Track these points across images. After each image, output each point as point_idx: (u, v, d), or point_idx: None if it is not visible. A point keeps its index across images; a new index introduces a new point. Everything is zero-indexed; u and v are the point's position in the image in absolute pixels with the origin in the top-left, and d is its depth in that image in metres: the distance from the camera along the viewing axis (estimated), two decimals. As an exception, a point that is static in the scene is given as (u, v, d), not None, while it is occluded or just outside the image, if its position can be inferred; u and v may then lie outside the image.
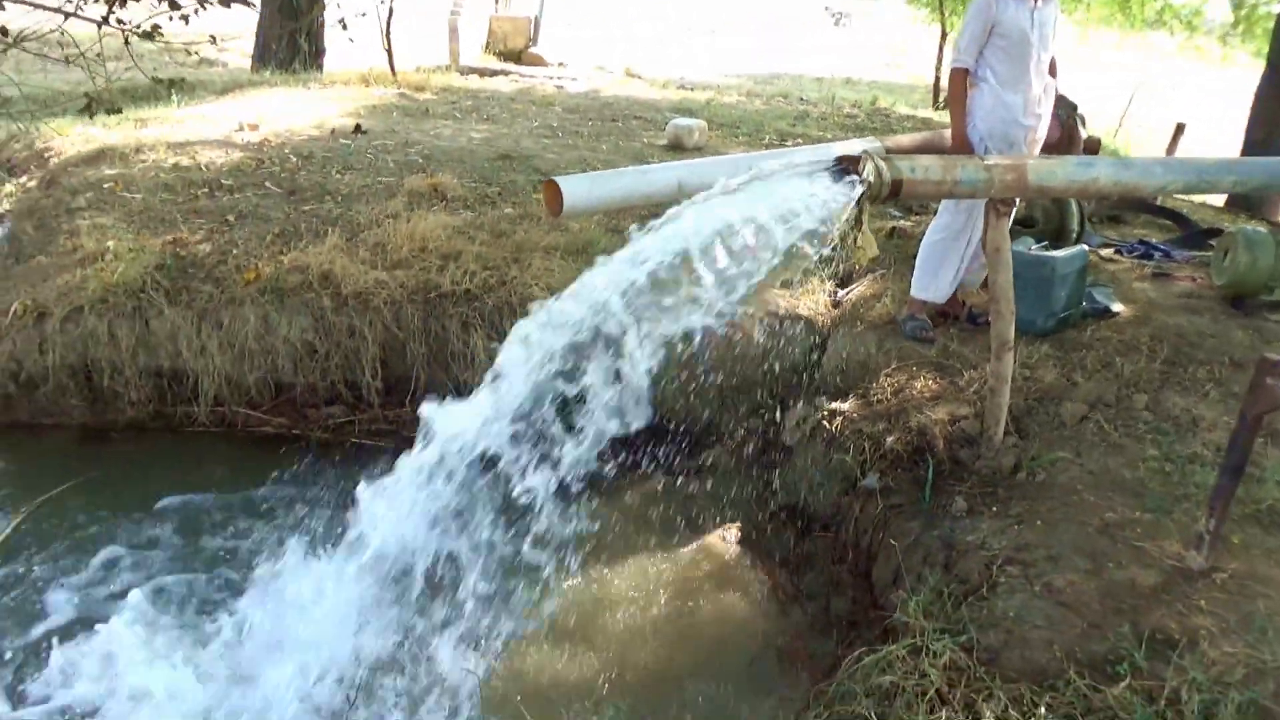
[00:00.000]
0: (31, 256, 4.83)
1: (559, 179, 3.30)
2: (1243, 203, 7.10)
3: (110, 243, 4.68)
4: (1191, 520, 2.93)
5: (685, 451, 4.26)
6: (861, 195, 2.94)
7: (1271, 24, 8.38)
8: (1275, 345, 4.03)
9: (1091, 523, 3.04)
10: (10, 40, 4.30)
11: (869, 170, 2.91)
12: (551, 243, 4.93)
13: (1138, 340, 4.20)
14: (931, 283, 4.30)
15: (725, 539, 3.93)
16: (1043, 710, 2.20)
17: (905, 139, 5.95)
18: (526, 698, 2.82)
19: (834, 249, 4.73)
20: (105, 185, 5.69)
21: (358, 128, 7.53)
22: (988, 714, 2.19)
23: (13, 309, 4.28)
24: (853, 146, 3.07)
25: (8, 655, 3.03)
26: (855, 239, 3.73)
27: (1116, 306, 4.51)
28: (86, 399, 4.36)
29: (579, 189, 3.38)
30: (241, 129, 7.25)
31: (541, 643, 3.10)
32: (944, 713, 2.25)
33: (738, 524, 4.00)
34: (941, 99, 15.05)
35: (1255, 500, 3.09)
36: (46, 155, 6.97)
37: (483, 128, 8.06)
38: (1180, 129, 7.34)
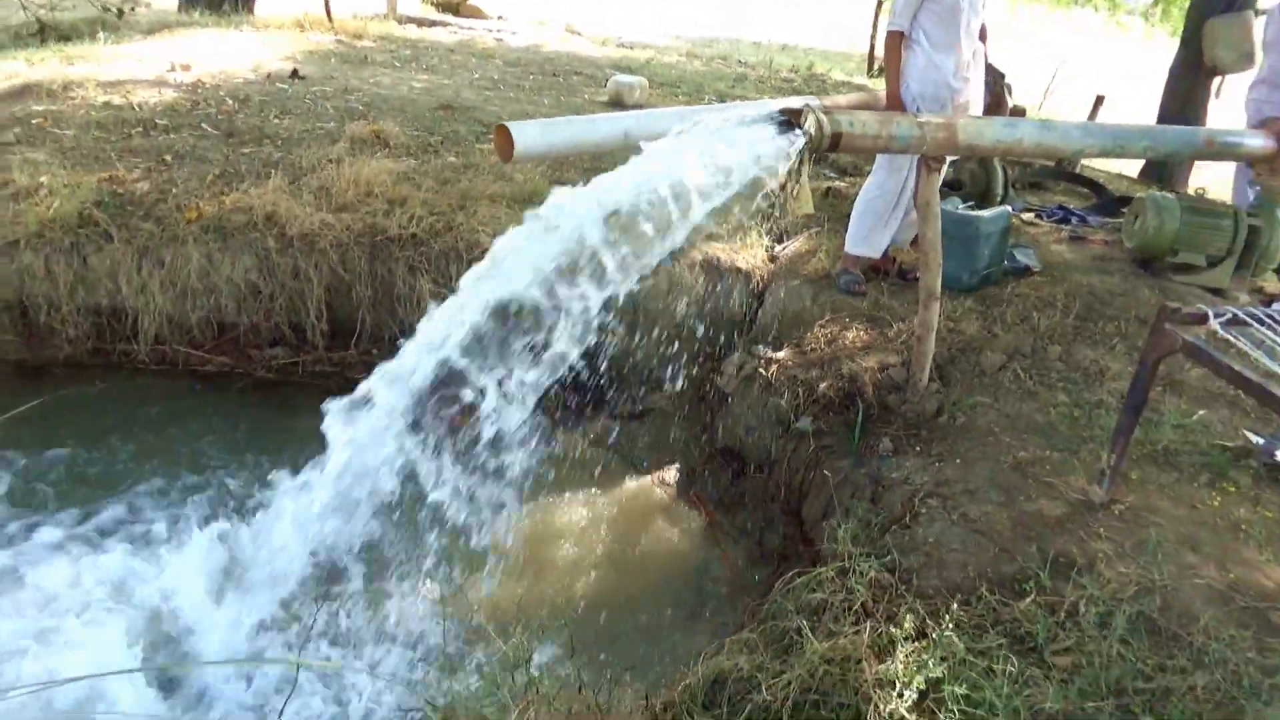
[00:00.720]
0: (-41, 190, 4.69)
1: (510, 124, 3.36)
2: (1155, 174, 7.47)
3: (44, 178, 4.58)
4: (1095, 459, 3.19)
5: (627, 397, 4.40)
6: (803, 146, 3.08)
7: (1187, 4, 8.76)
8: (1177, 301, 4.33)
9: (1005, 461, 3.27)
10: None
11: (810, 123, 3.05)
12: (497, 191, 4.99)
13: (1054, 297, 4.46)
14: (865, 239, 4.49)
15: (665, 480, 4.10)
16: (956, 618, 2.41)
17: (842, 99, 6.12)
18: (484, 619, 2.94)
19: (772, 203, 4.93)
20: (34, 121, 5.54)
21: (295, 72, 7.40)
22: (907, 623, 2.38)
23: (-57, 242, 4.18)
24: (794, 103, 3.20)
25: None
26: (794, 191, 3.91)
27: (1035, 266, 4.78)
28: (22, 335, 4.30)
29: (530, 134, 3.45)
30: (174, 69, 7.07)
31: (496, 571, 3.22)
32: (868, 624, 2.44)
33: (676, 465, 4.16)
34: (876, 66, 15.30)
35: (1153, 442, 3.36)
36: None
37: (423, 78, 7.99)
38: (1099, 101, 7.68)
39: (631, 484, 4.00)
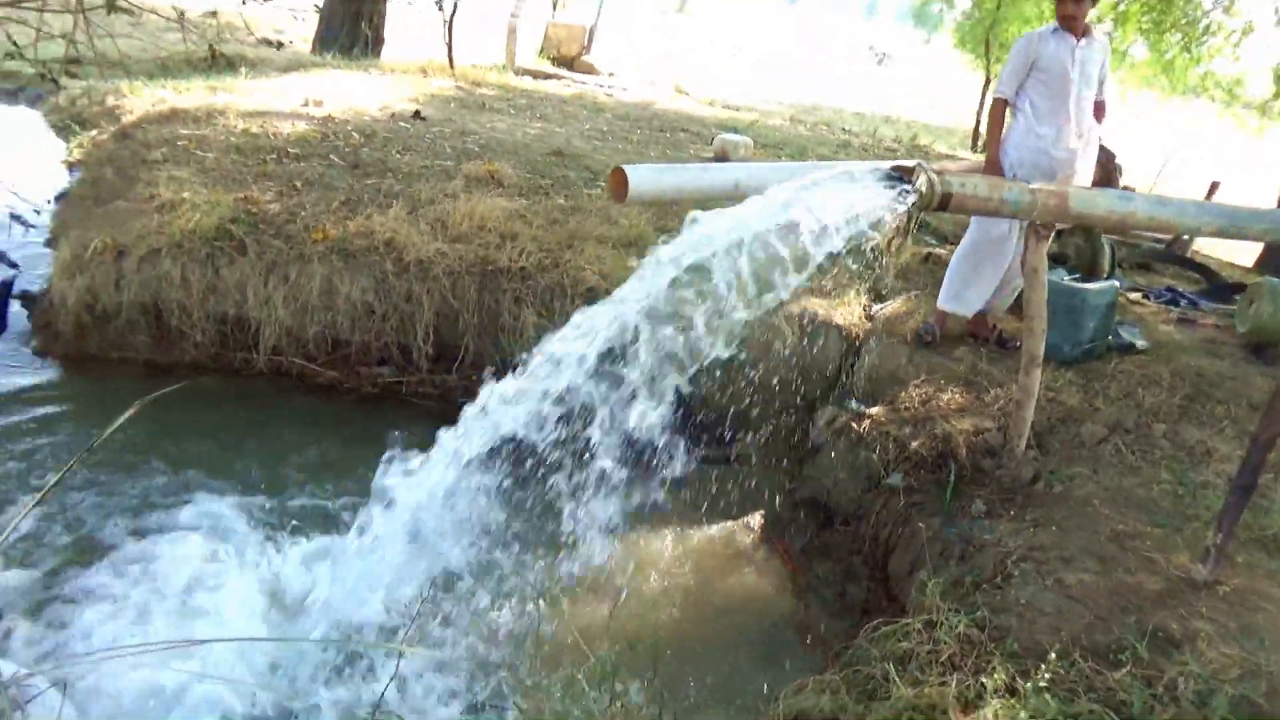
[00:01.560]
0: (110, 200, 5.06)
1: (626, 166, 3.50)
2: (1271, 264, 7.26)
3: (186, 194, 4.92)
4: (1199, 538, 3.10)
5: (717, 442, 4.45)
6: (913, 203, 3.14)
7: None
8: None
9: (1103, 532, 3.21)
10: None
11: (922, 181, 3.11)
12: (603, 233, 5.15)
13: (1159, 376, 4.37)
14: (955, 297, 4.51)
15: (749, 526, 4.12)
16: (1048, 680, 2.36)
17: (951, 165, 6.16)
18: (566, 645, 3.00)
19: (871, 263, 4.98)
20: (180, 143, 5.96)
21: (417, 113, 7.79)
22: (998, 677, 2.35)
23: (93, 245, 4.51)
24: (906, 162, 3.26)
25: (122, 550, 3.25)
26: (899, 245, 3.95)
27: (1141, 343, 4.69)
28: (153, 336, 4.59)
29: (644, 177, 3.57)
30: (307, 104, 7.53)
31: (583, 597, 3.29)
32: (955, 676, 2.42)
33: (761, 513, 4.17)
34: (980, 142, 15.29)
35: (1262, 527, 3.25)
36: (117, 112, 7.27)
37: (536, 125, 8.32)
38: (1214, 186, 7.53)
39: (716, 527, 4.03)
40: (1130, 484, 3.53)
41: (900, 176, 3.13)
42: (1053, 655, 2.47)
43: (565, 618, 3.15)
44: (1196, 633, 2.68)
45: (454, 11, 10.16)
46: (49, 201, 6.50)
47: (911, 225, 3.24)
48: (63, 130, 7.95)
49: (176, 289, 4.51)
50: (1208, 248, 7.53)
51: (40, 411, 4.06)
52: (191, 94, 7.37)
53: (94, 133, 7.08)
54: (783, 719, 2.42)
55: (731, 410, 4.38)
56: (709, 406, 4.50)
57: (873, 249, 3.71)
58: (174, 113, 6.70)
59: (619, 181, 3.50)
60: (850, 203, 3.01)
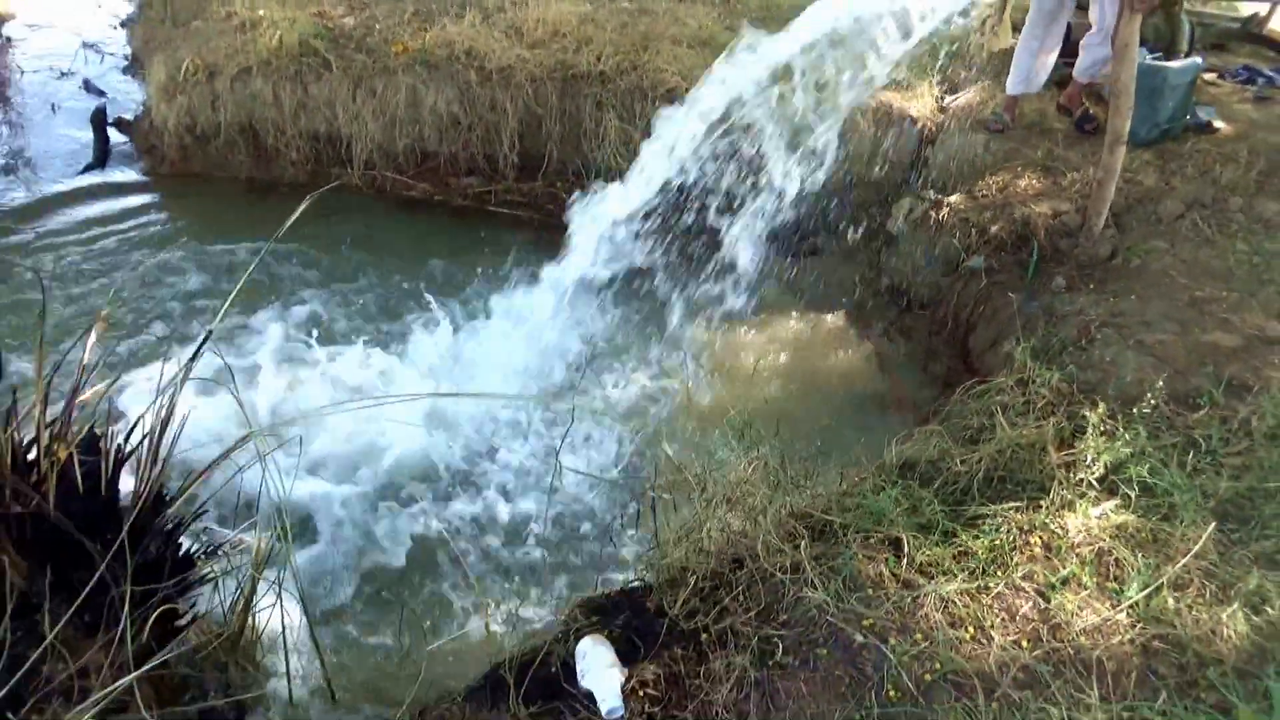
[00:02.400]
0: (188, 21, 5.13)
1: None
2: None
3: (262, 10, 4.97)
4: (1273, 300, 3.29)
5: (802, 236, 4.63)
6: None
7: None
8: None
9: (1181, 299, 3.41)
10: None
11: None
12: (676, 34, 5.14)
13: (1236, 153, 4.42)
14: (1025, 78, 4.55)
15: (837, 313, 4.36)
16: (1137, 423, 2.64)
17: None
18: (692, 413, 3.33)
19: (947, 53, 4.97)
20: (239, -39, 5.92)
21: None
22: (1092, 419, 2.63)
23: (185, 66, 4.63)
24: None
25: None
26: (994, 25, 3.97)
27: (1218, 123, 4.70)
28: (252, 155, 4.78)
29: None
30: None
31: (692, 384, 3.60)
32: (1051, 420, 2.70)
33: (847, 300, 4.41)
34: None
35: (1337, 279, 3.43)
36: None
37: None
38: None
39: (806, 314, 4.28)
40: (1206, 255, 3.69)
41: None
42: (1138, 400, 2.73)
43: (688, 391, 3.47)
44: (1270, 380, 2.92)
45: None
46: (114, 27, 6.55)
47: (1007, 3, 3.27)
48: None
49: (270, 108, 4.66)
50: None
51: (162, 229, 4.33)
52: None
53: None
54: (895, 465, 2.73)
55: (819, 206, 4.53)
56: (795, 202, 4.65)
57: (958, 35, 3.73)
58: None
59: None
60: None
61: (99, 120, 4.97)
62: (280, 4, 5.10)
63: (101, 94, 5.44)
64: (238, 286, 2.38)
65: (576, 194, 3.88)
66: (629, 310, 3.74)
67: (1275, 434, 2.67)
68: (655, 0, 5.86)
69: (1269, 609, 2.11)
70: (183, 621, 2.17)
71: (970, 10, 3.04)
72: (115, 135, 5.04)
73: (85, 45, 6.10)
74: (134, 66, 5.94)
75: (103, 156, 4.81)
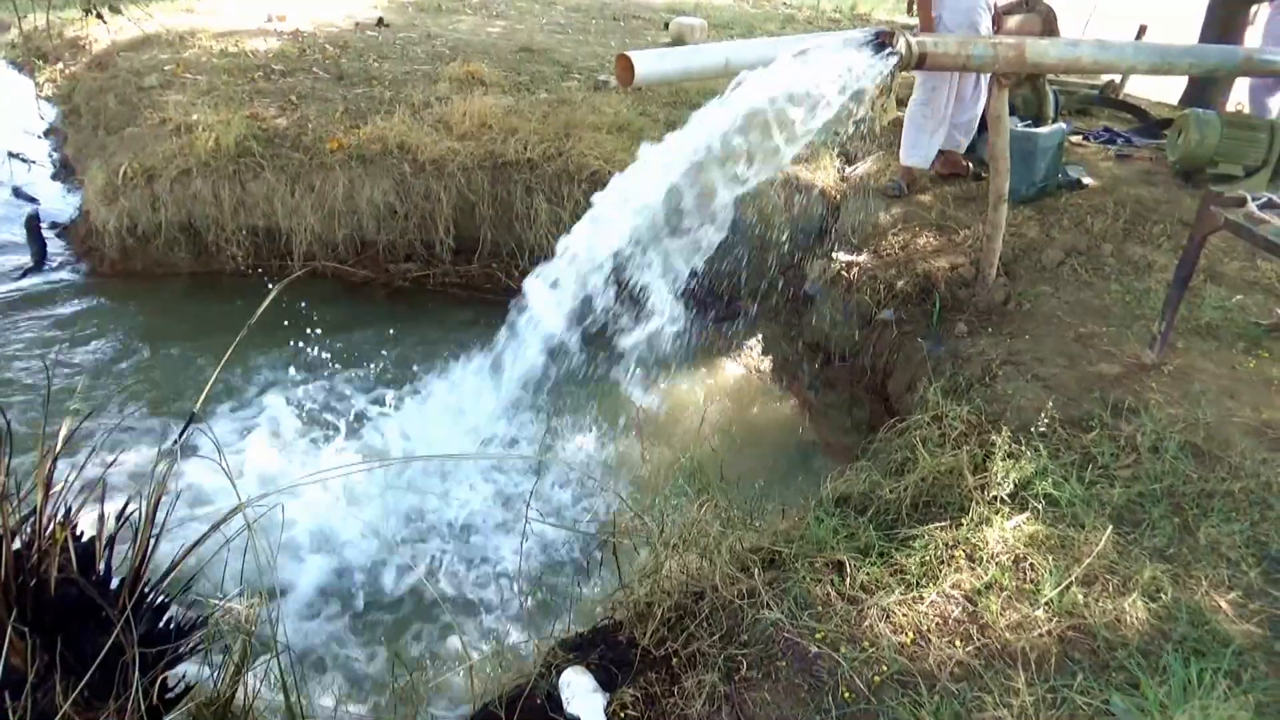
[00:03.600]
0: (121, 127, 5.28)
1: (631, 53, 3.86)
2: (1194, 101, 7.84)
3: (195, 115, 5.17)
4: (1146, 332, 3.72)
5: (725, 303, 4.97)
6: (895, 64, 3.59)
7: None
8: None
9: (1068, 336, 3.82)
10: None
11: (901, 44, 3.56)
12: (595, 122, 5.51)
13: (1104, 206, 4.95)
14: (913, 149, 5.03)
15: (761, 368, 4.68)
16: (1038, 444, 2.98)
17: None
18: (622, 466, 3.55)
19: (856, 122, 5.46)
20: (166, 68, 6.12)
21: (380, 20, 7.92)
22: (1000, 442, 2.95)
23: (123, 170, 4.78)
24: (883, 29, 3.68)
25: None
26: (881, 104, 4.41)
27: (1087, 180, 5.26)
28: (193, 251, 4.92)
29: (648, 62, 3.95)
30: (271, 20, 7.63)
31: (631, 431, 3.84)
32: (965, 448, 3.02)
33: (770, 357, 4.73)
34: (912, 6, 15.55)
35: (1196, 319, 3.89)
36: (81, 43, 7.31)
37: (497, 24, 8.48)
38: (1143, 29, 8.05)
39: (734, 372, 4.58)
40: (1086, 296, 4.14)
41: (882, 41, 3.58)
42: (1041, 425, 3.08)
43: (626, 449, 3.71)
44: (1148, 402, 3.31)
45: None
46: (38, 137, 6.64)
47: (892, 84, 3.69)
48: (21, 67, 7.96)
49: (210, 206, 4.82)
50: (1138, 90, 8.07)
51: (109, 326, 4.42)
52: (153, 20, 7.41)
53: (59, 66, 7.15)
54: (831, 499, 3.00)
55: (736, 275, 4.88)
56: (717, 274, 4.99)
57: (852, 113, 4.15)
58: (146, 39, 6.79)
59: (625, 67, 3.88)
60: (842, 69, 3.46)
61: (33, 225, 5.05)
62: (213, 108, 5.30)
63: (33, 200, 5.52)
64: (216, 370, 2.54)
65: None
66: (573, 373, 3.98)
67: (1156, 447, 3.03)
68: (572, 91, 6.26)
69: (1163, 596, 2.42)
70: (175, 693, 2.27)
71: (861, 94, 3.40)
72: (50, 239, 5.12)
73: (10, 155, 6.17)
74: (63, 172, 6.03)
75: (40, 259, 4.89)
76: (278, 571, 2.65)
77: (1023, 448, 2.98)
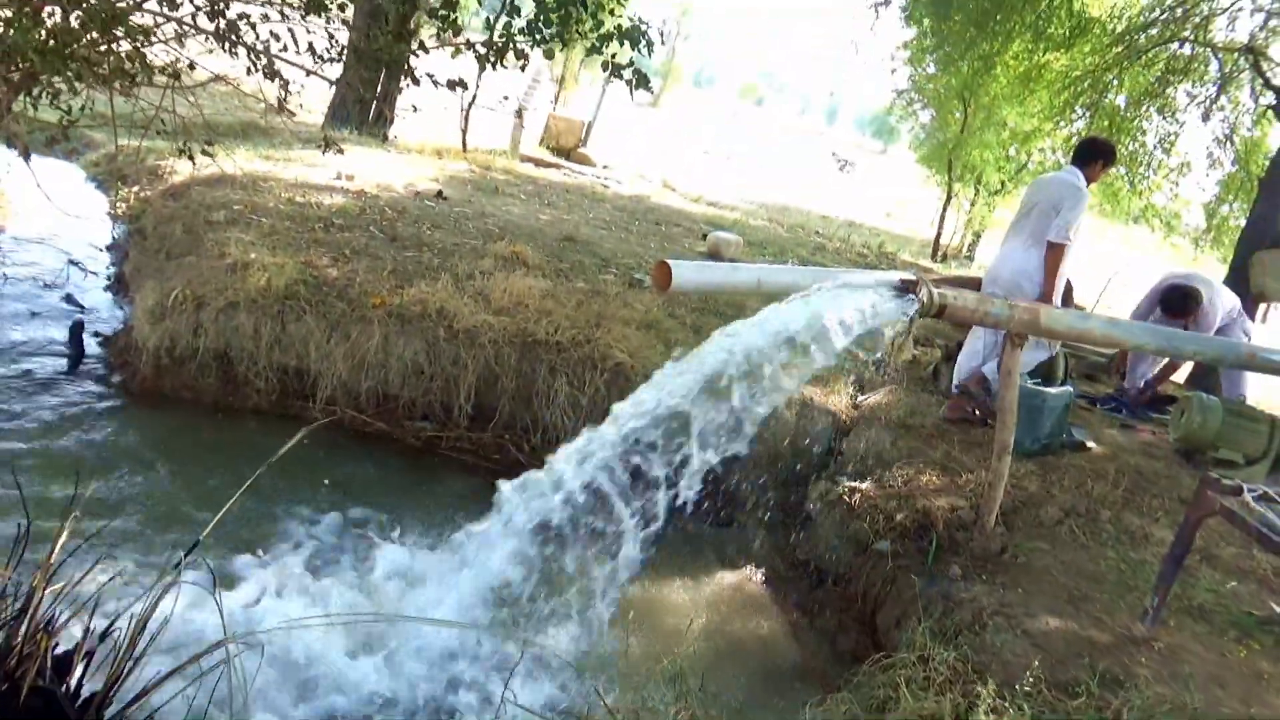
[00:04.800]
0: (181, 255, 5.58)
1: (671, 261, 4.15)
2: (1200, 381, 8.13)
3: (253, 255, 5.47)
4: (1138, 604, 3.73)
5: (727, 511, 5.03)
6: (916, 310, 3.83)
7: (1237, 235, 9.64)
8: (1215, 490, 4.91)
9: (1061, 595, 3.83)
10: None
11: (924, 292, 3.81)
12: (626, 316, 5.78)
13: (1106, 471, 5.07)
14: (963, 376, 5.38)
15: (754, 581, 4.67)
16: (1023, 703, 2.95)
17: (931, 277, 7.07)
18: (606, 666, 3.51)
19: (859, 359, 5.68)
20: (235, 207, 6.52)
21: (440, 193, 8.46)
22: (983, 697, 2.93)
23: (174, 294, 5.01)
24: (909, 275, 3.95)
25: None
26: (900, 344, 4.63)
27: (1090, 443, 5.41)
28: (222, 381, 5.07)
29: (686, 272, 4.22)
30: (340, 178, 8.16)
31: (619, 634, 3.81)
32: (948, 696, 2.99)
33: (764, 570, 4.74)
34: (939, 253, 16.42)
35: (1190, 599, 3.90)
36: (160, 171, 7.81)
37: (547, 212, 9.02)
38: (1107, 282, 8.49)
39: (727, 581, 4.57)
40: (1081, 558, 4.17)
41: (906, 288, 3.83)
42: (1025, 684, 3.06)
43: (610, 651, 3.68)
44: (1137, 676, 3.28)
45: (473, 100, 10.94)
46: (99, 249, 6.99)
47: (912, 327, 3.91)
48: (102, 184, 8.46)
49: (248, 340, 5.02)
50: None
51: (130, 440, 4.51)
52: (234, 161, 7.95)
53: (136, 189, 7.61)
54: (807, 725, 2.96)
55: (742, 484, 4.96)
56: (724, 481, 5.08)
57: (873, 347, 4.37)
58: (222, 177, 7.25)
59: (663, 273, 4.15)
60: (867, 306, 3.69)
61: (77, 331, 5.24)
62: (271, 251, 5.61)
63: (82, 308, 5.75)
64: (228, 505, 2.61)
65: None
66: (566, 559, 3.99)
67: (1142, 726, 3.00)
68: (608, 284, 6.59)
69: None
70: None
71: (882, 332, 3.61)
72: (91, 347, 5.30)
73: (71, 262, 6.48)
74: (116, 287, 6.31)
75: (75, 363, 5.05)
76: (252, 712, 2.60)
77: (1007, 704, 2.95)
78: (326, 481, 4.39)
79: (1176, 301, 6.18)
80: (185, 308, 4.99)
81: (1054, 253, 5.14)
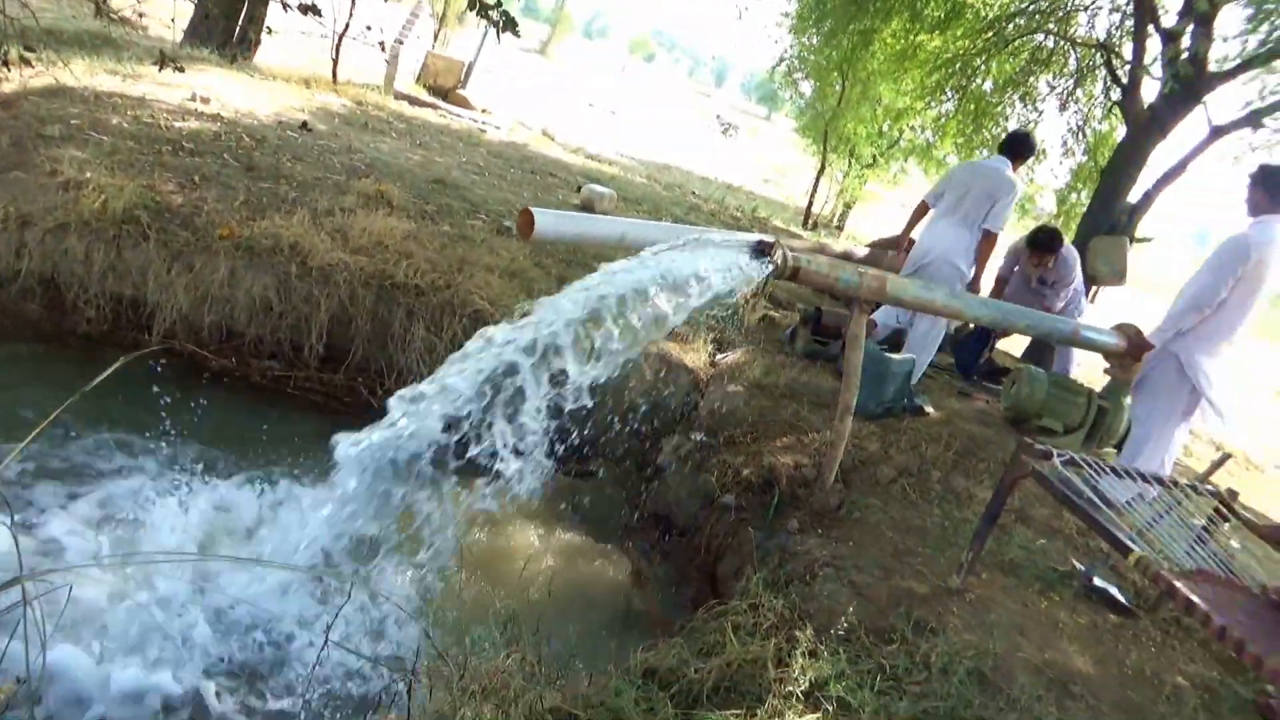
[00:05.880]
0: (8, 170, 5.15)
1: (534, 209, 4.10)
2: (1033, 357, 8.67)
3: (89, 174, 5.10)
4: (956, 558, 3.98)
5: (582, 459, 5.06)
6: (770, 272, 3.92)
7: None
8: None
9: (888, 549, 4.05)
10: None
11: (779, 255, 3.91)
12: (490, 263, 5.70)
13: (940, 435, 5.36)
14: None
15: (602, 529, 4.74)
16: (840, 646, 3.11)
17: (797, 243, 7.17)
18: (444, 609, 3.51)
19: (719, 316, 5.78)
20: (73, 122, 6.04)
21: (305, 124, 8.07)
22: (804, 641, 3.07)
23: (-3, 212, 4.64)
24: (767, 238, 4.03)
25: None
26: (752, 304, 4.74)
27: (929, 409, 5.70)
28: (46, 307, 4.73)
29: (548, 220, 4.19)
30: (194, 99, 7.67)
31: (460, 576, 3.80)
32: (773, 640, 3.12)
33: (613, 519, 4.81)
34: (810, 221, 16.83)
35: (1002, 554, 4.19)
36: (-9, 77, 7.14)
37: (419, 152, 8.75)
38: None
39: (574, 529, 4.62)
40: (910, 515, 4.42)
41: (763, 250, 3.91)
42: (843, 629, 3.23)
43: (451, 593, 3.66)
44: (948, 624, 3.52)
45: (345, 29, 10.44)
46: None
47: (765, 288, 4.01)
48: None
49: (78, 265, 4.70)
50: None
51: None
52: (71, 72, 7.35)
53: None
54: (638, 670, 3.03)
55: (595, 434, 5.00)
56: (578, 430, 5.10)
57: (729, 305, 4.46)
58: (60, 89, 6.71)
59: (527, 221, 4.11)
60: (724, 265, 3.76)
61: (-121, 246, 4.79)
62: (110, 172, 5.24)
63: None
64: (34, 434, 2.44)
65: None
66: (409, 495, 3.94)
67: (946, 668, 3.21)
68: (475, 230, 6.47)
69: (928, 813, 2.52)
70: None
71: (736, 292, 3.68)
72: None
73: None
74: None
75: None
76: (48, 656, 2.46)
77: (824, 649, 3.11)
78: (164, 416, 4.17)
79: (1044, 240, 6.67)
80: (8, 226, 4.62)
81: (989, 241, 5.81)
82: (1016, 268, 7.13)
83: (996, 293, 7.06)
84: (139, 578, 2.92)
